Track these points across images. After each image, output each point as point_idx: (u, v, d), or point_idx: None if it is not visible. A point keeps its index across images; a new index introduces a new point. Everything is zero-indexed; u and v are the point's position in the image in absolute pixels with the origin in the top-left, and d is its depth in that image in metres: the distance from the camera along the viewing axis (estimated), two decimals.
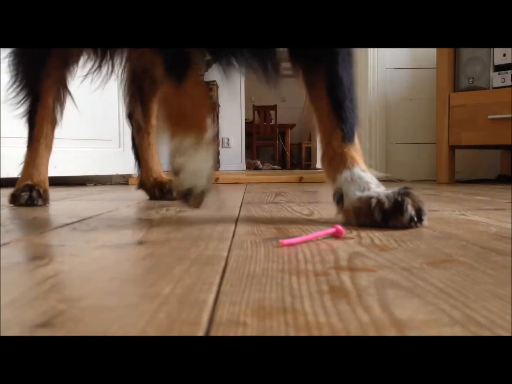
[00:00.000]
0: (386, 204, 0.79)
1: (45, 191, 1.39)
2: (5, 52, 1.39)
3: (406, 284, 0.44)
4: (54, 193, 1.51)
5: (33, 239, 0.75)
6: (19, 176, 1.43)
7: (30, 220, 1.04)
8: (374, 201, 0.80)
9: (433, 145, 2.60)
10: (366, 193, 0.83)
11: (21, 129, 1.44)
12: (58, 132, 1.45)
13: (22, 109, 1.40)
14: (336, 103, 0.90)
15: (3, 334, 0.32)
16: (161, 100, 1.12)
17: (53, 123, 1.41)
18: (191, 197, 0.85)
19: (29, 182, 1.38)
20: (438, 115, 2.51)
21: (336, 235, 0.70)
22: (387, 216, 0.79)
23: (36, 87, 1.36)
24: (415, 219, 0.79)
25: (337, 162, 0.89)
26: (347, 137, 0.90)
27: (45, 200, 1.37)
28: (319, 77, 0.92)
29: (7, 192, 1.44)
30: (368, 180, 0.86)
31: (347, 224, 0.82)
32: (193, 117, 0.87)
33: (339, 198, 0.87)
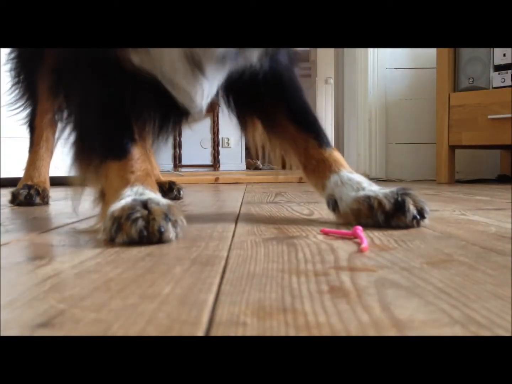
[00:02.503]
0: (386, 204, 0.78)
1: (44, 190, 1.40)
2: (6, 53, 1.39)
3: (406, 284, 0.44)
4: (54, 193, 1.51)
5: (33, 239, 0.75)
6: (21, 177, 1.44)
7: (30, 220, 1.04)
8: (373, 200, 0.79)
9: (433, 145, 2.60)
10: (362, 193, 0.82)
11: (22, 130, 1.45)
12: (60, 133, 1.46)
13: (23, 114, 1.42)
14: (301, 123, 0.91)
15: (3, 334, 0.32)
16: None
17: (54, 126, 1.41)
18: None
19: (29, 182, 1.40)
20: (438, 115, 2.51)
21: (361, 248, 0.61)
22: (389, 216, 0.78)
23: (34, 92, 1.37)
24: (418, 217, 0.78)
25: (322, 169, 0.88)
26: (324, 143, 0.90)
27: (43, 198, 1.39)
28: (279, 113, 0.93)
29: (7, 192, 1.45)
30: (359, 180, 0.85)
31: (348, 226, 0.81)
32: None
33: (333, 204, 0.85)
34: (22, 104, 1.41)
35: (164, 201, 0.70)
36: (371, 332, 0.32)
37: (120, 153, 0.79)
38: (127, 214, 0.66)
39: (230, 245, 0.65)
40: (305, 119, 0.93)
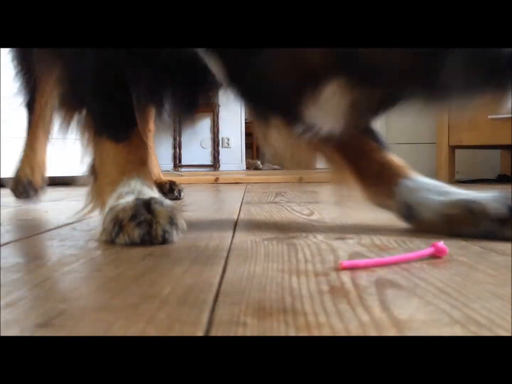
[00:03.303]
0: (496, 209, 0.66)
1: (41, 175, 1.40)
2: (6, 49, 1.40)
3: (406, 284, 0.44)
4: (54, 193, 1.51)
5: (33, 239, 0.75)
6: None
7: (30, 220, 1.04)
8: (474, 205, 0.68)
9: (433, 145, 2.60)
10: (453, 197, 0.71)
11: (22, 130, 1.45)
12: (58, 132, 1.45)
13: (23, 97, 1.41)
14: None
15: (3, 334, 0.32)
16: None
17: (53, 109, 1.41)
18: None
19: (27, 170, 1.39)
20: (438, 115, 2.51)
21: (437, 255, 0.55)
22: (501, 223, 0.66)
23: (34, 76, 1.35)
24: None
25: (387, 174, 0.77)
26: (385, 145, 0.80)
27: (42, 184, 1.39)
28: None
29: (7, 192, 1.45)
30: (437, 184, 0.74)
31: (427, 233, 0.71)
32: None
33: (408, 211, 0.74)
34: (23, 88, 1.40)
35: (166, 202, 0.69)
36: (371, 332, 0.32)
37: (119, 135, 0.76)
38: (129, 216, 0.65)
39: (230, 245, 0.65)
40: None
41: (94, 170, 0.79)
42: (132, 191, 0.71)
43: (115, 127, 0.78)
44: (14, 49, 1.37)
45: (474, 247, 0.63)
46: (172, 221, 0.66)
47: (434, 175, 2.55)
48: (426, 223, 0.72)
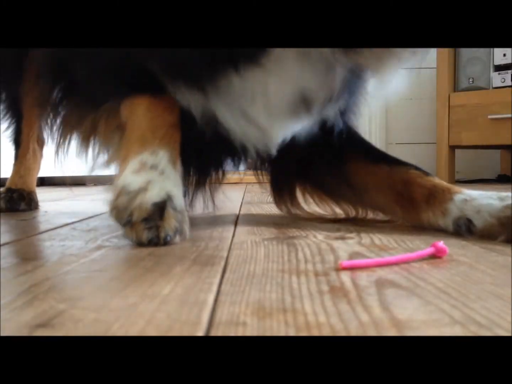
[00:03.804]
0: None
1: (30, 194, 1.28)
2: None
3: (406, 284, 0.44)
4: (55, 193, 1.51)
5: (33, 239, 0.75)
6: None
7: (29, 220, 1.04)
8: None
9: (433, 145, 2.61)
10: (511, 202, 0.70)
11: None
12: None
13: (9, 131, 1.33)
14: (393, 161, 0.87)
15: (3, 334, 0.32)
16: None
17: (41, 142, 1.33)
18: None
19: (13, 187, 1.27)
20: (438, 115, 2.51)
21: (437, 255, 0.55)
22: None
23: (18, 107, 1.27)
24: None
25: (439, 194, 0.77)
26: (426, 172, 0.83)
27: (30, 204, 1.26)
28: (359, 160, 0.90)
29: None
30: (489, 194, 0.73)
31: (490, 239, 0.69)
32: None
33: (467, 223, 0.72)
34: (7, 121, 1.31)
35: (180, 205, 0.68)
36: (371, 332, 0.32)
37: (155, 88, 0.75)
38: (142, 217, 0.64)
39: (230, 245, 0.65)
40: (389, 156, 0.89)
41: (122, 127, 0.76)
42: (155, 167, 0.69)
43: (151, 82, 0.76)
44: None
45: (474, 247, 0.63)
46: (177, 230, 0.66)
47: (434, 175, 2.55)
48: (485, 229, 0.71)
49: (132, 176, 0.68)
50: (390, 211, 0.86)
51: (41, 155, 1.36)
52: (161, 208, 0.66)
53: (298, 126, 0.84)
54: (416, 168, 0.84)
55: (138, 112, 0.75)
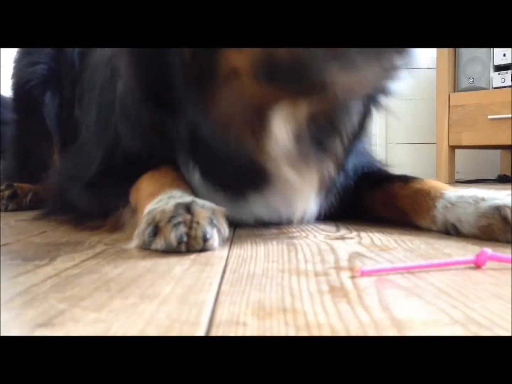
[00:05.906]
0: None
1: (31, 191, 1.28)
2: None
3: (406, 284, 0.44)
4: None
5: (33, 239, 0.75)
6: None
7: (30, 220, 1.04)
8: (506, 211, 0.66)
9: (433, 145, 2.60)
10: (485, 205, 0.69)
11: None
12: None
13: None
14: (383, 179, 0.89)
15: (3, 334, 0.32)
16: None
17: None
18: None
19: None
20: (438, 115, 2.51)
21: (477, 264, 0.51)
22: None
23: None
24: None
25: (420, 202, 0.77)
26: (410, 178, 0.83)
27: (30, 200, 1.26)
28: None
29: None
30: (471, 193, 0.73)
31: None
32: None
33: (454, 230, 0.72)
34: None
35: (209, 204, 0.64)
36: (371, 332, 0.32)
37: (151, 168, 0.77)
38: (168, 217, 0.59)
39: (230, 245, 0.65)
40: (382, 173, 0.92)
41: (135, 208, 0.74)
42: (173, 196, 0.66)
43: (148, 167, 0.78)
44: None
45: (474, 247, 0.63)
46: (213, 222, 0.60)
47: (434, 175, 2.55)
48: (473, 236, 0.70)
49: (152, 206, 0.64)
50: (396, 223, 0.85)
51: None
52: (186, 206, 0.61)
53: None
54: (400, 178, 0.85)
55: (143, 185, 0.75)
